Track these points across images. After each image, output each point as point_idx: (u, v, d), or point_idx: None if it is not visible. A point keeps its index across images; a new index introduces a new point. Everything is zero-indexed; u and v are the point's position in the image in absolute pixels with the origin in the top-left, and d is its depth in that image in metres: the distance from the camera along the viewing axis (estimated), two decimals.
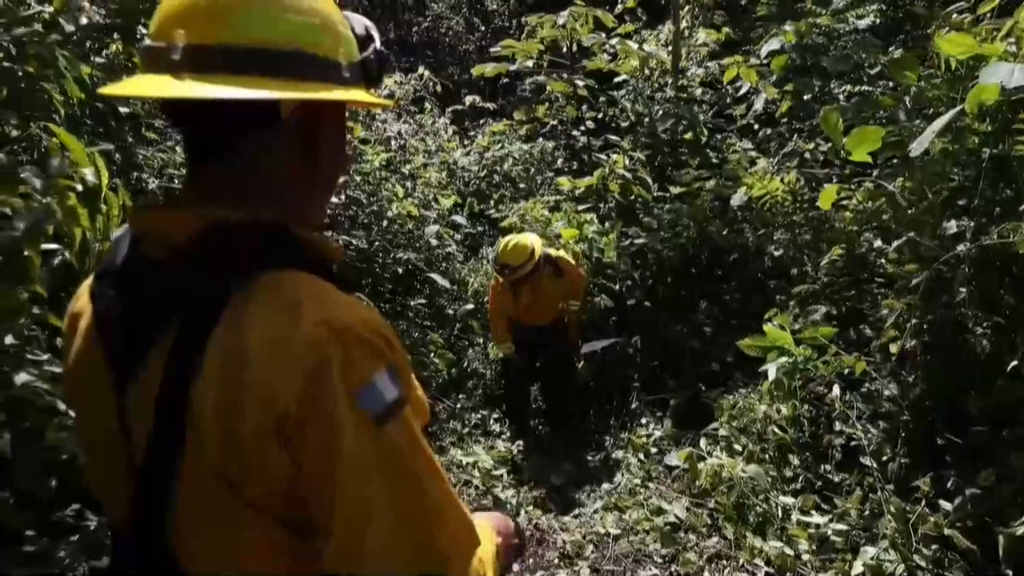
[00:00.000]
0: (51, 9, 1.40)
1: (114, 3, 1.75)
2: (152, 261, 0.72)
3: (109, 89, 0.75)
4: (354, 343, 0.67)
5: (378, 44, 0.83)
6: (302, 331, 0.65)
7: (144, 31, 2.31)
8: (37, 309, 1.65)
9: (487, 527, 0.89)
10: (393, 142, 5.30)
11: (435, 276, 4.83)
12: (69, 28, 1.37)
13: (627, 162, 5.48)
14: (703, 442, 3.60)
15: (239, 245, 0.70)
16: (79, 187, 1.28)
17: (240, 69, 0.69)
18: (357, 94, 0.78)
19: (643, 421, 4.40)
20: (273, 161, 0.76)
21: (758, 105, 5.07)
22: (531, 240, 4.18)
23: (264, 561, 0.69)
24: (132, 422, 0.70)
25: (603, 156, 5.77)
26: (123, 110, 2.89)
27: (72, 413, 1.42)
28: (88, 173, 1.30)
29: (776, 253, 4.54)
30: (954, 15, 2.82)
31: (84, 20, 1.37)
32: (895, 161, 3.30)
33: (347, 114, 0.88)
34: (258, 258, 0.70)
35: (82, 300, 0.80)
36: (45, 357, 1.56)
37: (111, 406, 0.72)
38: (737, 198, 4.70)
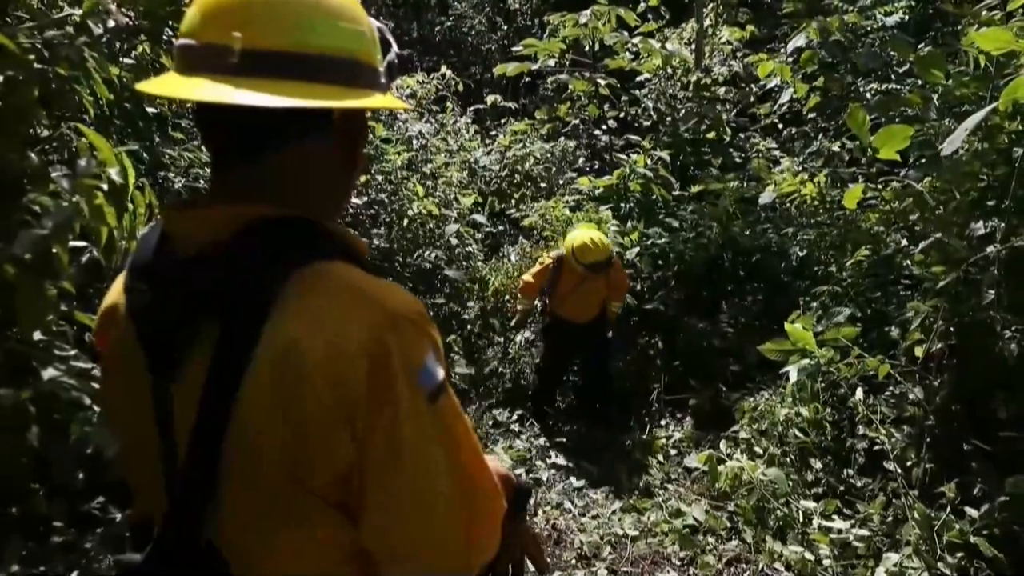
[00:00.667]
0: (80, 12, 1.43)
1: (140, 5, 1.79)
2: (188, 259, 0.73)
3: (166, 91, 0.75)
4: (407, 326, 0.70)
5: (396, 48, 0.85)
6: (359, 319, 0.68)
7: (171, 33, 2.35)
8: (65, 306, 1.69)
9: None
10: (415, 141, 5.32)
11: (449, 272, 4.84)
12: (97, 31, 1.41)
13: (648, 161, 5.45)
14: (723, 444, 3.57)
15: (279, 240, 0.71)
16: (105, 186, 1.31)
17: (299, 75, 0.70)
18: (392, 99, 0.80)
19: (663, 422, 4.38)
20: (311, 162, 0.78)
21: (784, 98, 4.99)
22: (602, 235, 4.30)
23: (326, 548, 0.71)
24: (175, 417, 0.71)
25: (624, 156, 5.74)
26: (150, 110, 2.95)
27: (98, 408, 1.46)
28: (114, 172, 1.33)
29: (800, 253, 4.48)
30: (984, 12, 2.76)
31: (111, 23, 1.41)
32: (923, 160, 3.23)
33: (369, 114, 0.90)
34: (299, 252, 0.71)
35: (117, 294, 0.81)
36: (73, 352, 1.59)
37: (146, 400, 0.73)
38: (766, 196, 4.65)
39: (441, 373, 0.72)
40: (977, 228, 2.50)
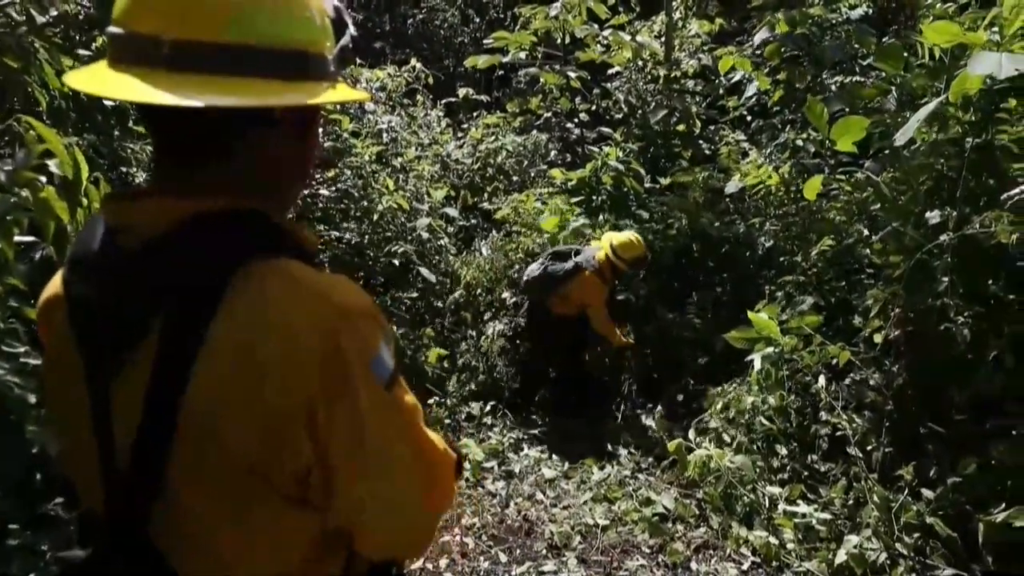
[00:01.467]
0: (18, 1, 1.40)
1: None
2: (132, 252, 0.70)
3: (86, 85, 0.70)
4: (360, 320, 0.70)
5: (352, 30, 0.81)
6: (309, 315, 0.67)
7: None
8: (15, 302, 1.66)
9: None
10: (384, 135, 5.29)
11: (423, 270, 4.82)
12: (41, 19, 1.38)
13: (620, 154, 5.48)
14: (692, 433, 3.62)
15: (227, 234, 0.70)
16: (44, 179, 1.28)
17: (234, 70, 0.67)
18: (342, 92, 0.77)
19: (635, 412, 4.42)
20: (256, 155, 0.75)
21: (750, 91, 5.06)
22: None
23: (281, 540, 0.72)
24: (115, 415, 0.70)
25: (596, 148, 5.76)
26: (108, 103, 2.89)
27: (45, 404, 1.43)
28: (54, 165, 1.30)
29: (767, 244, 4.54)
30: (938, 4, 2.82)
31: (54, 12, 1.37)
32: (886, 152, 3.30)
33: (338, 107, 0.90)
34: (248, 247, 0.70)
35: (57, 286, 0.78)
36: (23, 350, 1.56)
37: (83, 397, 0.72)
38: (731, 186, 4.71)
39: (393, 361, 0.73)
40: (932, 216, 2.56)
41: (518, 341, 4.97)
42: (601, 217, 5.25)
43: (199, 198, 0.71)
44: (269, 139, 0.75)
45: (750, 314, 3.23)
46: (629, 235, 4.30)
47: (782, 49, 4.59)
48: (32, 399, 1.36)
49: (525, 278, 4.50)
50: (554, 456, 4.07)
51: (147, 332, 0.68)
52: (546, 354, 4.72)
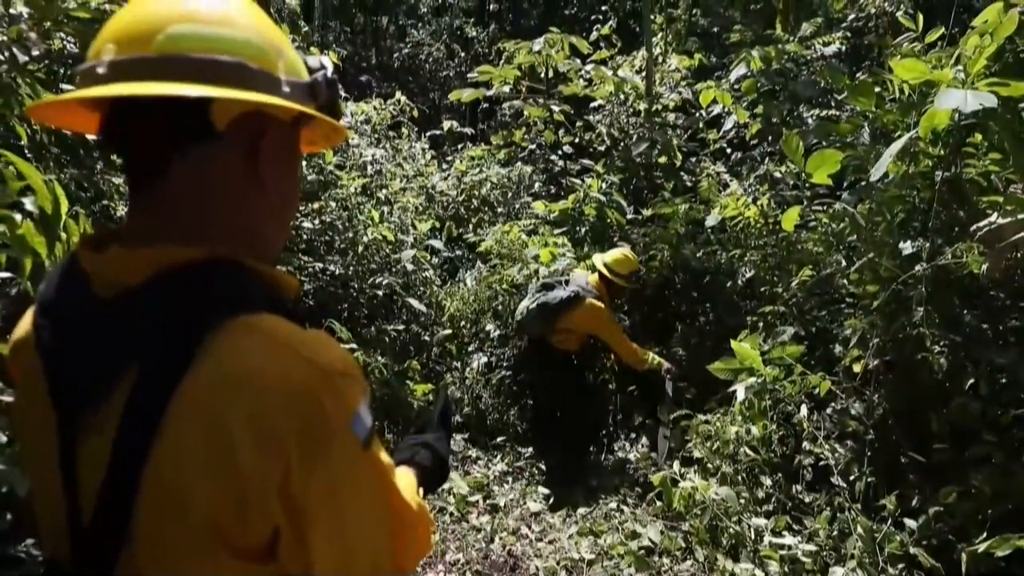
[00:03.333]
0: (4, 38, 1.41)
1: (70, 30, 1.76)
2: (105, 301, 0.70)
3: (33, 104, 0.76)
4: (341, 380, 0.69)
5: (330, 71, 0.81)
6: (288, 378, 0.66)
7: None
8: None
9: (411, 479, 1.02)
10: (369, 167, 5.33)
11: (412, 301, 4.82)
12: (23, 58, 1.39)
13: (602, 186, 5.55)
14: (677, 464, 3.60)
15: (201, 290, 0.69)
16: (19, 216, 1.28)
17: (166, 78, 0.68)
18: (298, 106, 0.75)
19: (619, 444, 4.40)
20: (216, 184, 0.74)
21: (728, 125, 5.18)
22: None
23: None
24: (81, 470, 0.69)
25: (578, 180, 5.83)
26: (91, 138, 2.90)
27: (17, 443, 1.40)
28: (28, 203, 1.30)
29: (748, 275, 4.59)
30: (905, 43, 2.92)
31: (35, 52, 1.39)
32: (862, 184, 3.37)
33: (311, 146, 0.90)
34: (223, 304, 0.68)
35: (27, 331, 0.77)
36: None
37: (52, 445, 0.70)
38: (712, 217, 4.77)
39: (371, 419, 0.73)
40: (905, 247, 2.61)
41: (505, 377, 4.94)
42: (584, 248, 5.29)
43: (170, 248, 0.70)
44: (212, 161, 0.73)
45: (733, 344, 3.25)
46: (620, 250, 4.37)
47: (758, 84, 4.71)
48: (3, 437, 1.33)
49: (519, 317, 4.34)
50: (539, 489, 4.04)
51: (116, 387, 0.67)
52: (548, 391, 4.67)
